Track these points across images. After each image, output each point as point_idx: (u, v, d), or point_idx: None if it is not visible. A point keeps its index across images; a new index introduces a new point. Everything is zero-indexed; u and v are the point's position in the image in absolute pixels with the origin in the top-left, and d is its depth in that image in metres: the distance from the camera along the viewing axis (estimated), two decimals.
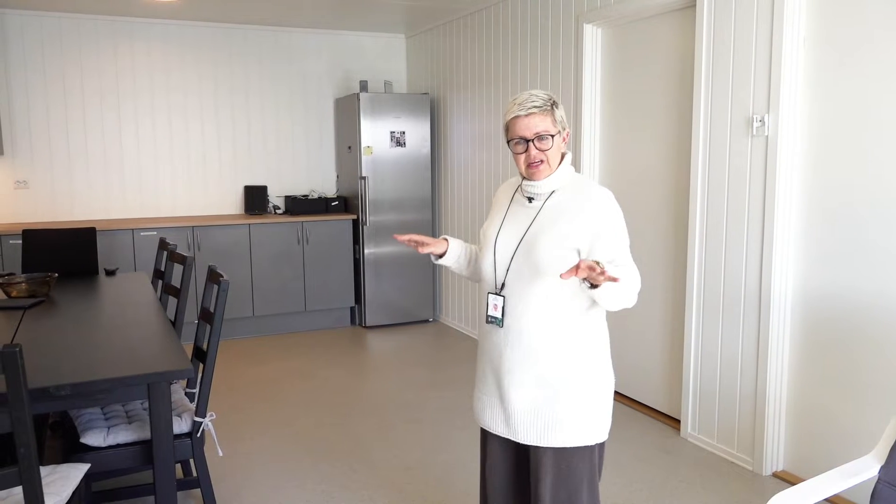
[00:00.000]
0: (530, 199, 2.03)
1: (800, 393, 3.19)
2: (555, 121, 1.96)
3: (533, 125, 1.92)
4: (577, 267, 1.68)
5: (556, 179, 1.99)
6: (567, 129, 2.02)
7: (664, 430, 3.80)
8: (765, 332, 3.23)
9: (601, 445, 2.07)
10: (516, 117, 1.94)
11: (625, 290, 1.85)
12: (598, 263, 1.70)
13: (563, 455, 1.99)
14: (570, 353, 1.96)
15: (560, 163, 2.00)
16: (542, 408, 1.98)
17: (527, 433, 2.01)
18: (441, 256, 2.17)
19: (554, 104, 1.96)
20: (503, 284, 2.02)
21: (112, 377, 2.15)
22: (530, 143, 1.94)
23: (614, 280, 1.69)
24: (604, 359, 2.02)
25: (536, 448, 2.01)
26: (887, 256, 2.80)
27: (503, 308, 2.01)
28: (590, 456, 2.02)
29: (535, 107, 1.93)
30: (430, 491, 3.17)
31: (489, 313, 2.04)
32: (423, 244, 2.09)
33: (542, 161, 1.95)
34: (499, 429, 2.07)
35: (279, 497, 3.12)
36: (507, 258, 2.02)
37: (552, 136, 1.94)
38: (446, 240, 2.17)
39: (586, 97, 4.30)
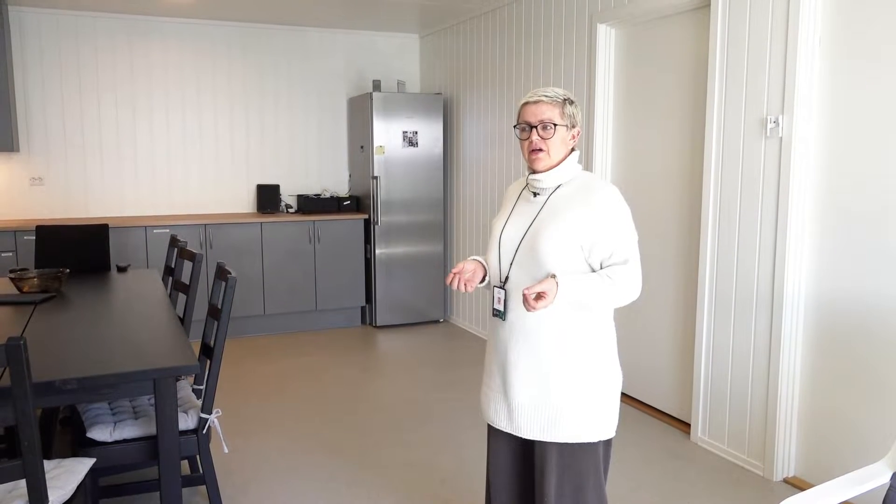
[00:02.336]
0: (535, 194, 2.05)
1: (812, 397, 3.15)
2: (563, 114, 1.99)
3: (539, 112, 1.97)
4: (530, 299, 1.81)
5: (560, 174, 2.00)
6: (577, 128, 2.03)
7: (674, 434, 3.77)
8: (777, 336, 3.18)
9: (607, 443, 2.06)
10: (525, 104, 2.01)
11: (603, 296, 1.90)
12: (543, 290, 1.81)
13: (568, 451, 1.99)
14: (574, 348, 1.96)
15: (566, 158, 2.01)
16: (545, 403, 1.98)
17: (529, 428, 2.01)
18: (483, 279, 2.12)
19: (567, 101, 2.00)
20: (507, 278, 2.03)
21: (118, 372, 2.16)
22: (533, 130, 1.98)
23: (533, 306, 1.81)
24: (609, 354, 2.01)
25: (541, 443, 2.01)
26: None
27: (505, 301, 2.02)
28: (595, 453, 2.01)
29: (545, 96, 1.98)
30: (436, 490, 3.15)
31: (494, 306, 2.07)
32: (468, 276, 2.03)
33: (541, 150, 1.98)
34: (502, 423, 2.08)
35: (285, 494, 3.12)
36: (510, 252, 2.04)
37: (555, 125, 1.97)
38: (479, 261, 2.12)
39: (599, 97, 4.28)
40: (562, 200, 1.98)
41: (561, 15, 4.61)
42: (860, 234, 2.91)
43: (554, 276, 1.85)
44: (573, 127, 2.01)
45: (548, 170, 2.00)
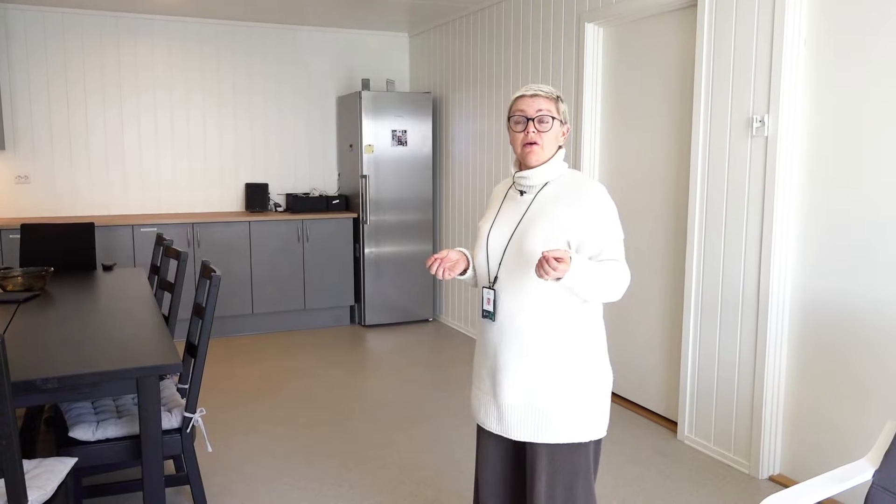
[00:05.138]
0: (522, 193, 2.04)
1: (797, 396, 3.16)
2: (558, 109, 1.99)
3: (536, 104, 1.96)
4: (542, 263, 1.70)
5: (548, 171, 1.99)
6: (567, 125, 2.04)
7: (661, 433, 3.77)
8: (762, 335, 3.20)
9: (598, 442, 2.06)
10: (521, 97, 1.99)
11: (601, 283, 1.85)
12: (563, 254, 1.71)
13: (559, 451, 1.98)
14: (565, 348, 1.95)
15: (554, 155, 2.01)
16: (536, 404, 1.96)
17: (520, 429, 1.99)
18: (464, 272, 2.11)
19: (559, 98, 2.01)
20: (496, 278, 2.01)
21: (100, 371, 2.15)
22: (530, 122, 1.96)
23: (557, 276, 1.71)
24: (600, 354, 2.01)
25: (532, 444, 2.00)
26: (886, 261, 2.77)
27: (495, 302, 2.00)
28: (586, 452, 2.00)
29: (541, 90, 1.98)
30: (423, 490, 3.15)
31: (483, 307, 2.05)
32: (449, 265, 2.00)
33: (536, 143, 1.96)
34: (492, 425, 2.06)
35: (271, 494, 3.10)
36: (499, 252, 2.02)
37: (552, 118, 1.96)
38: (463, 253, 2.10)
39: (587, 96, 4.28)
40: (549, 199, 1.97)
41: (549, 14, 4.61)
42: (845, 235, 2.92)
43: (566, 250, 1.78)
44: (564, 123, 2.02)
45: (537, 166, 1.99)
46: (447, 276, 2.00)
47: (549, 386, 1.95)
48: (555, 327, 1.94)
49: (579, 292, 1.85)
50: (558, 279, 1.75)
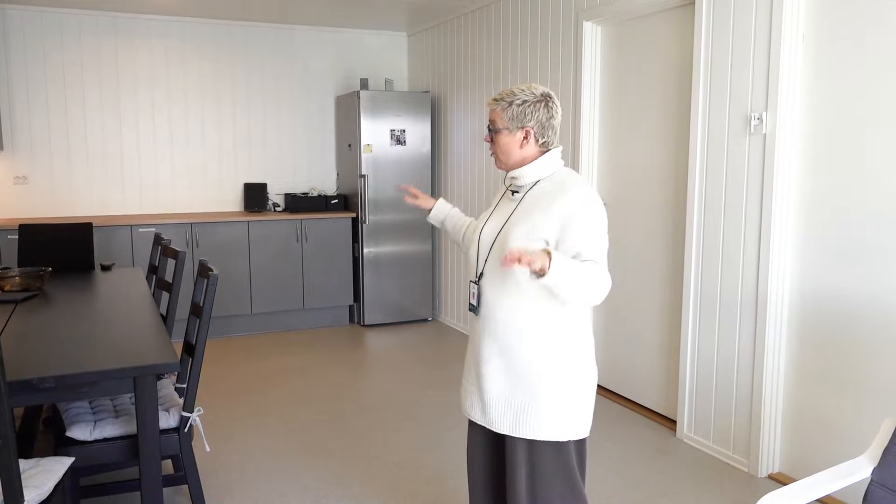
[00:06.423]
0: (514, 192, 2.06)
1: (796, 394, 3.16)
2: (505, 117, 1.97)
3: (490, 115, 2.02)
4: (510, 257, 1.70)
5: (536, 170, 2.00)
6: (525, 128, 1.96)
7: (660, 431, 3.77)
8: (761, 333, 3.19)
9: (580, 443, 2.05)
10: None
11: (580, 284, 1.78)
12: (540, 253, 1.74)
13: (537, 448, 2.00)
14: (545, 346, 1.95)
15: (540, 156, 2.00)
16: (516, 398, 1.99)
17: (500, 422, 2.02)
18: (430, 212, 2.38)
19: (514, 102, 1.95)
20: (482, 274, 2.04)
21: (97, 370, 2.14)
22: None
23: (540, 273, 1.73)
24: (582, 354, 1.99)
25: (511, 438, 2.02)
26: (884, 258, 2.77)
27: (479, 296, 2.04)
28: (565, 452, 2.00)
29: (494, 100, 2.00)
30: (421, 488, 3.14)
31: (469, 301, 2.09)
32: (416, 197, 2.34)
33: (493, 152, 2.05)
34: (476, 416, 2.10)
35: (271, 493, 3.10)
36: (487, 248, 2.06)
37: (490, 129, 2.02)
38: (443, 203, 2.37)
39: (585, 94, 4.28)
40: (535, 198, 1.98)
41: (548, 12, 4.61)
42: (844, 233, 2.92)
43: (548, 251, 1.74)
44: (520, 129, 1.96)
45: (517, 167, 2.01)
46: (412, 201, 2.35)
47: (528, 382, 1.96)
48: (535, 324, 1.95)
49: (559, 293, 1.78)
50: (540, 275, 1.72)
